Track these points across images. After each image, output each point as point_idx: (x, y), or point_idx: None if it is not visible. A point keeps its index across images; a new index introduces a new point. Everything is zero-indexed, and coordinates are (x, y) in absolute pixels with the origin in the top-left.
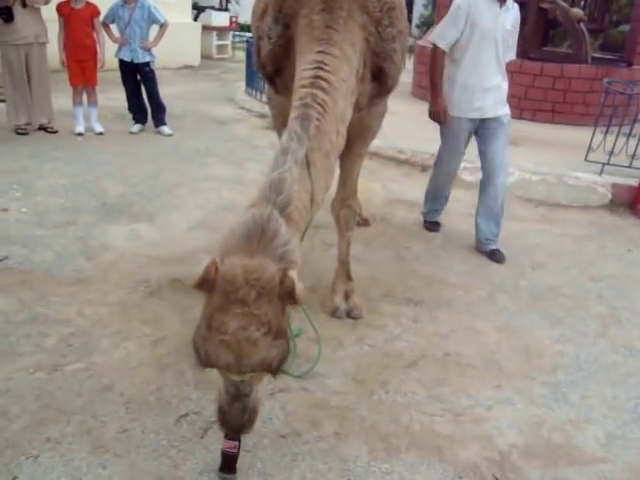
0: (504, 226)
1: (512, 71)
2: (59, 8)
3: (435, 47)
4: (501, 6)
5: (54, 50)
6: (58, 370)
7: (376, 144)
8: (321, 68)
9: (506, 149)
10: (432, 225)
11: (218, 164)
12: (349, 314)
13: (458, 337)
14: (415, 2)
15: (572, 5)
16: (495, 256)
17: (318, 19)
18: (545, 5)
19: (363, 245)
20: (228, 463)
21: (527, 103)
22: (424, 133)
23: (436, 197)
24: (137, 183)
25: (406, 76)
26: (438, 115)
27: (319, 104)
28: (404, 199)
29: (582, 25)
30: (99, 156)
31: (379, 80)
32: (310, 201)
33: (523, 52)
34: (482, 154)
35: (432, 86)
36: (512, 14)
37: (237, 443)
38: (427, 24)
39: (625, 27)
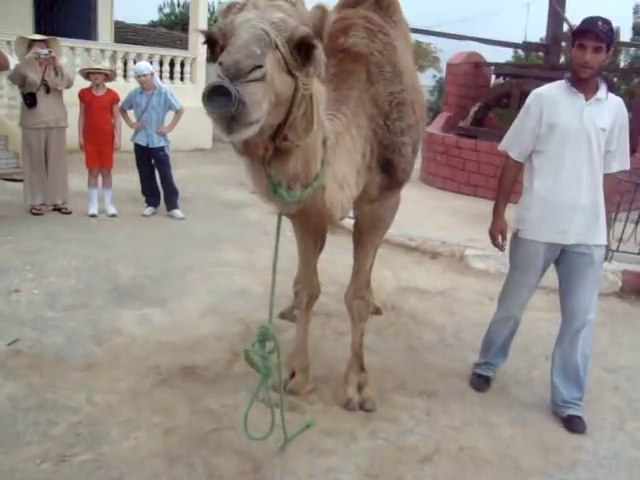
0: None
1: None
2: (81, 95)
3: (507, 156)
4: (587, 98)
5: (73, 132)
6: (65, 461)
7: None
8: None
9: (594, 291)
10: (478, 381)
11: (229, 249)
12: (362, 406)
13: (472, 430)
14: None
15: None
16: (572, 424)
17: (330, 96)
18: None
19: (374, 334)
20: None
21: None
22: (433, 220)
23: (490, 343)
24: (149, 266)
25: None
26: (493, 237)
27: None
28: (415, 287)
29: None
30: (112, 238)
31: (388, 172)
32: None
33: None
34: (562, 293)
35: (495, 201)
36: (608, 108)
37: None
38: (433, 110)
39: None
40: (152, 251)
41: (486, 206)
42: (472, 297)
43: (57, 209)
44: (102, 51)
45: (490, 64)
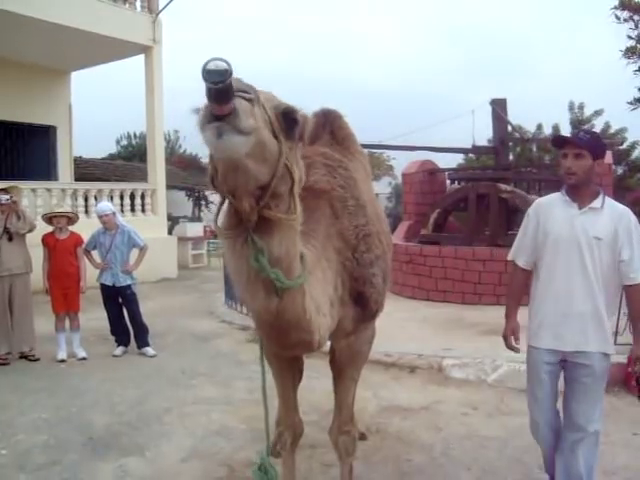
0: (503, 423)
1: (484, 259)
2: (44, 239)
3: (514, 264)
4: (581, 207)
5: (37, 274)
6: None
7: None
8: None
9: (597, 403)
10: None
11: (205, 384)
12: None
13: None
14: (379, 196)
15: (528, 192)
16: None
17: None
18: (504, 195)
19: (362, 462)
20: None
21: (502, 289)
22: (407, 331)
23: (545, 455)
24: (124, 411)
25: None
26: (505, 339)
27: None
28: (397, 405)
29: None
30: (83, 384)
31: (361, 304)
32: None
33: (491, 240)
34: (564, 399)
35: (506, 306)
36: (605, 217)
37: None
38: (393, 216)
39: None
40: (126, 394)
41: (457, 311)
42: (456, 409)
43: (24, 356)
44: (63, 190)
45: (444, 170)
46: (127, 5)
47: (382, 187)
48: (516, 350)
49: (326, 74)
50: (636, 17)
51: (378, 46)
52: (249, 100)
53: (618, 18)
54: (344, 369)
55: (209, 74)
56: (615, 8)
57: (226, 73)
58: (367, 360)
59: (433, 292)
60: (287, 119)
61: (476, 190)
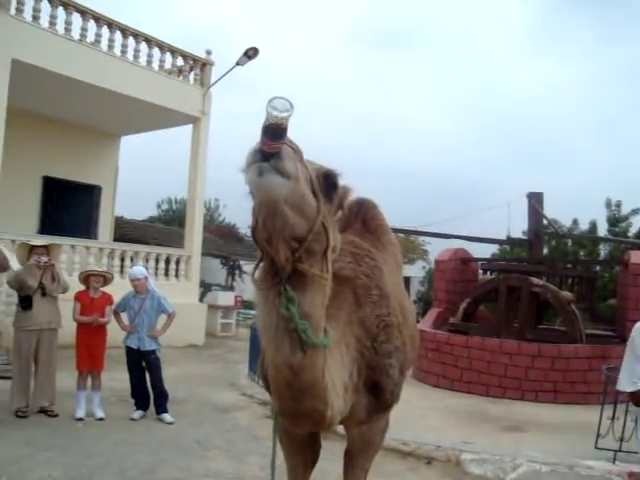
0: None
1: (511, 353)
2: (79, 297)
3: (632, 393)
4: None
5: (66, 329)
6: None
7: None
8: None
9: None
10: None
11: (219, 457)
12: None
13: None
14: (412, 279)
15: (560, 288)
16: None
17: None
18: (536, 289)
19: None
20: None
21: (528, 384)
22: (427, 420)
23: None
24: (134, 477)
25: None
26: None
27: None
28: None
29: (573, 306)
30: (97, 445)
31: (376, 394)
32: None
33: (519, 333)
34: None
35: None
36: None
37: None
38: (424, 300)
39: (612, 301)
40: (139, 459)
41: (480, 403)
42: None
43: (43, 411)
44: (101, 249)
45: (477, 259)
46: (181, 77)
47: (416, 271)
48: None
49: (365, 154)
50: None
51: (416, 132)
52: (294, 150)
53: None
54: (355, 458)
55: (274, 108)
56: None
57: (289, 112)
58: (379, 450)
59: (457, 382)
60: (328, 183)
61: (507, 282)
